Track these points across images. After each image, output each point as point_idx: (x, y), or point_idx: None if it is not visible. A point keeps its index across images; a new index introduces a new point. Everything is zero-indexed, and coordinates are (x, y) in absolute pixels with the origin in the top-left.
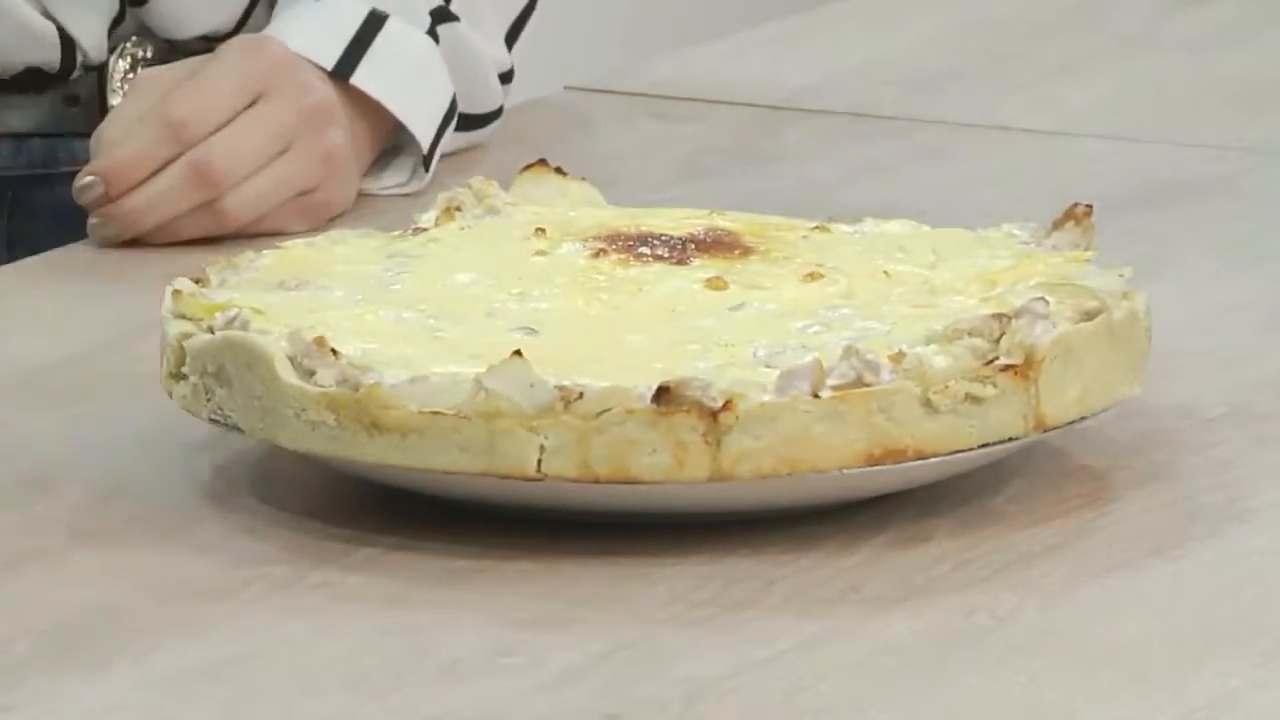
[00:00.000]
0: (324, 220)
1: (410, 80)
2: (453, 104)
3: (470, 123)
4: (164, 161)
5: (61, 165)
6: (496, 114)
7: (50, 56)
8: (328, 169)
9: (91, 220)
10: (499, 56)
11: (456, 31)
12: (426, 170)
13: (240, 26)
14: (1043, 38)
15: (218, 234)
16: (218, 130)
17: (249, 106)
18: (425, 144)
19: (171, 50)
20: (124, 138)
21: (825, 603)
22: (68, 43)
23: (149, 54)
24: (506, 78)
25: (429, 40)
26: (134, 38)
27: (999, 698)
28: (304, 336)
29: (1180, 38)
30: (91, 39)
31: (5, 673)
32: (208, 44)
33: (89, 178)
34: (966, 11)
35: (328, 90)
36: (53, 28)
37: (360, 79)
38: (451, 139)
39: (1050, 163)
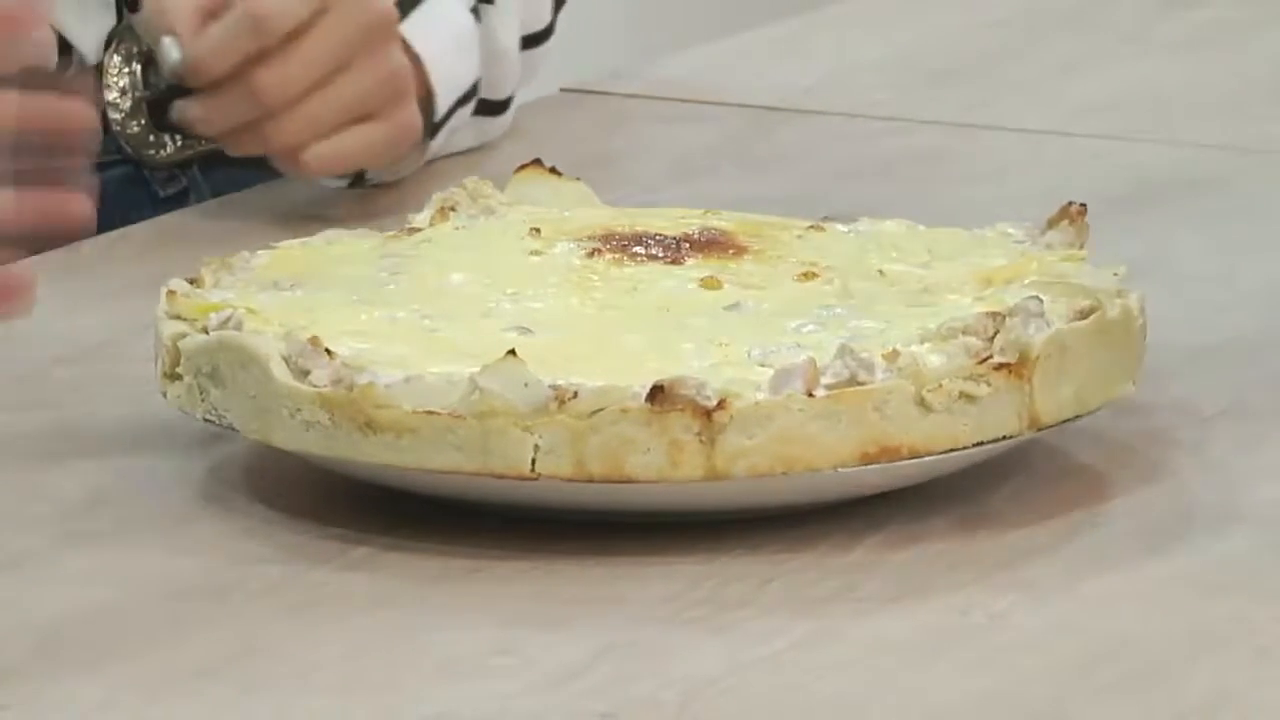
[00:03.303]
0: (393, 156)
1: (448, 50)
2: (474, 87)
3: (488, 108)
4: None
5: None
6: (508, 103)
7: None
8: (391, 90)
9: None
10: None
11: (490, 16)
12: (431, 137)
13: None
14: (1041, 38)
15: (267, 153)
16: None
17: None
18: (439, 114)
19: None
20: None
21: (821, 602)
22: (64, 45)
23: (144, 50)
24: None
25: (470, 18)
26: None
27: (994, 697)
28: (299, 336)
29: (1178, 37)
30: (89, 44)
31: (2, 673)
32: None
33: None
34: (965, 11)
35: (391, 7)
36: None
37: (409, 29)
38: (469, 125)
39: (1047, 162)
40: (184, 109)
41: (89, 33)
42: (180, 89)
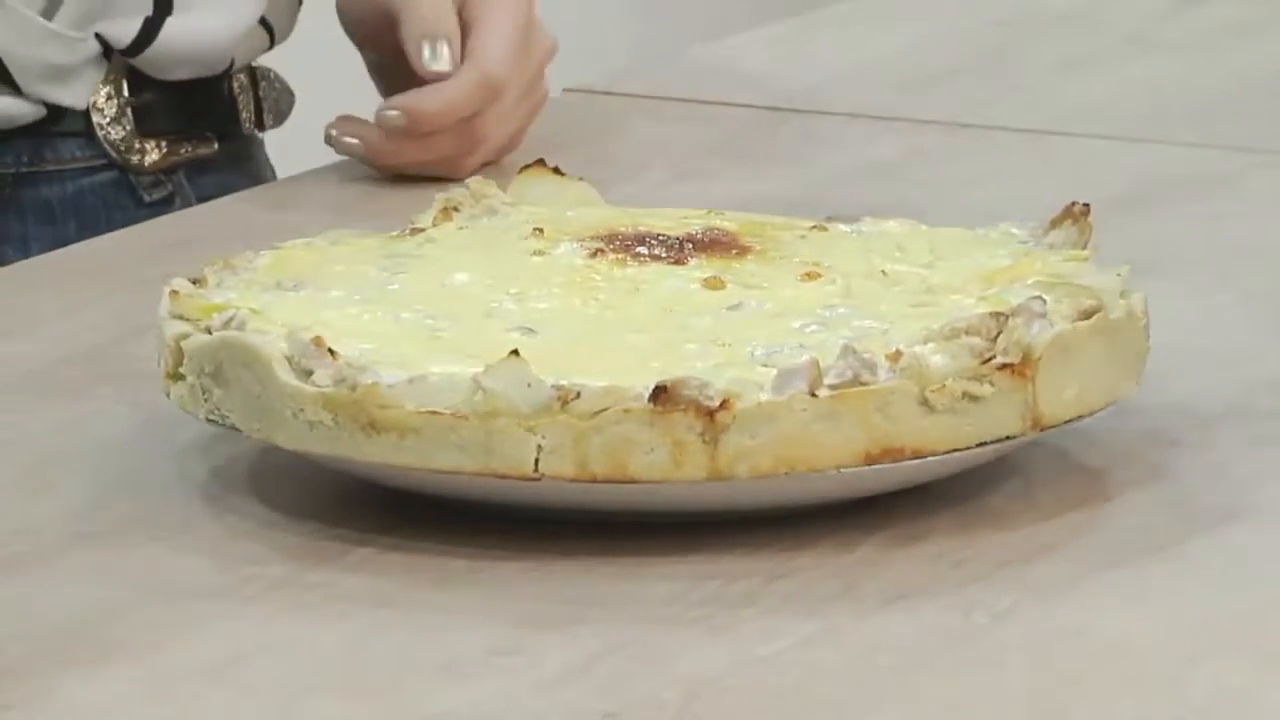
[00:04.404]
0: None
1: None
2: None
3: None
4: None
5: (48, 164)
6: None
7: (39, 118)
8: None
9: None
10: None
11: None
12: None
13: (226, 71)
14: (1043, 38)
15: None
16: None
17: None
18: None
19: (148, 83)
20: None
21: (823, 601)
22: (55, 107)
23: (134, 92)
24: None
25: None
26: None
27: (997, 697)
28: (302, 337)
29: (1180, 38)
30: (80, 103)
31: (2, 673)
32: (193, 83)
33: (394, 112)
34: (966, 11)
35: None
36: (40, 107)
37: None
38: None
39: (1049, 162)
40: (398, 153)
41: (79, 94)
42: (161, 97)
